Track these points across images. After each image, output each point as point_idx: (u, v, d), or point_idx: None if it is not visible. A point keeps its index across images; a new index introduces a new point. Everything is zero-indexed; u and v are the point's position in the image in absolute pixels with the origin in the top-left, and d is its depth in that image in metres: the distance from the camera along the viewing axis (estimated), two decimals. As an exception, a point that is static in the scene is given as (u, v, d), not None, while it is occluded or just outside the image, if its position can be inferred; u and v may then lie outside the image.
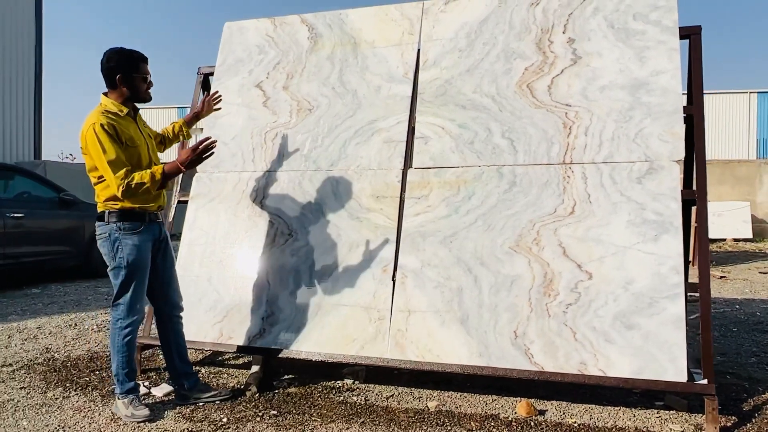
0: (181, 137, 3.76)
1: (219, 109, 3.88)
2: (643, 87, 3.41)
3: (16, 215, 7.25)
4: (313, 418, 3.16)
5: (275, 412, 3.24)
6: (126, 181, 3.02)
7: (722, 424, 2.99)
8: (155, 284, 3.36)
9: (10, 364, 4.17)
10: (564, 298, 3.22)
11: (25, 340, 4.89)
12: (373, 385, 3.68)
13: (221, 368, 4.07)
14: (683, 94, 3.43)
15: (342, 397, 3.48)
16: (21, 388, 3.67)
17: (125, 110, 3.19)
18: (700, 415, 3.11)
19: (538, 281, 3.29)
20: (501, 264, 3.38)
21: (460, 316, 3.36)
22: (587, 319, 3.15)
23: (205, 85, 4.48)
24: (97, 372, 3.98)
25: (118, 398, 3.20)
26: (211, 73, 4.45)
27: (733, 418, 3.09)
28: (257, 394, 3.51)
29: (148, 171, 3.08)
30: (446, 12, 3.94)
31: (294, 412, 3.26)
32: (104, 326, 5.35)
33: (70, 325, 5.39)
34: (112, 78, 3.15)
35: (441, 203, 3.59)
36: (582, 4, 3.66)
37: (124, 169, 3.04)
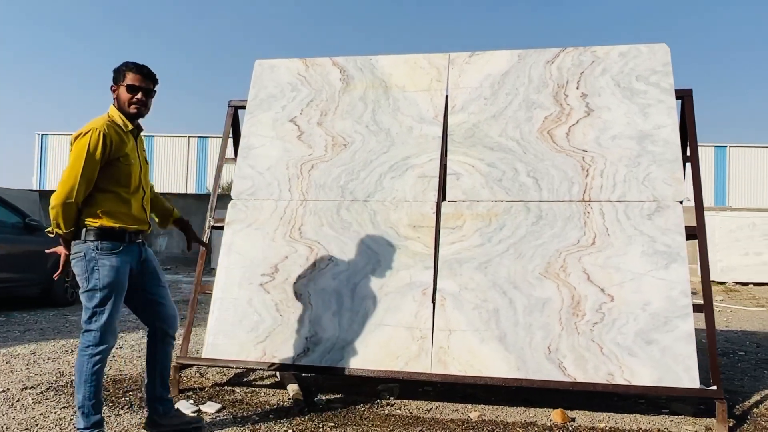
0: (165, 223, 3.59)
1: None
2: (648, 138, 4.01)
3: (-19, 240, 7.00)
4: (372, 428, 3.42)
5: (333, 424, 3.47)
6: (65, 205, 2.92)
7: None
8: (146, 305, 3.25)
9: (33, 387, 4.13)
10: (590, 318, 3.69)
11: (27, 365, 4.80)
12: (407, 401, 3.97)
13: (254, 388, 4.22)
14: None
15: (386, 411, 3.75)
16: (63, 408, 3.68)
17: (130, 126, 3.12)
18: (705, 418, 3.63)
19: (566, 303, 3.74)
20: (533, 288, 3.81)
21: (497, 334, 3.76)
22: (612, 336, 3.63)
23: (235, 117, 4.72)
24: (131, 393, 4.03)
25: None
26: (241, 106, 4.70)
27: (731, 420, 3.63)
28: (305, 409, 3.72)
29: (62, 223, 2.97)
30: (471, 64, 4.43)
31: (350, 423, 3.50)
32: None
33: (66, 351, 5.31)
34: (113, 89, 3.12)
35: (474, 233, 4.00)
36: (591, 64, 4.25)
37: (75, 198, 2.93)
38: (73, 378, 4.33)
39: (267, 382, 4.39)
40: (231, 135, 4.72)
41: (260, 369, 4.16)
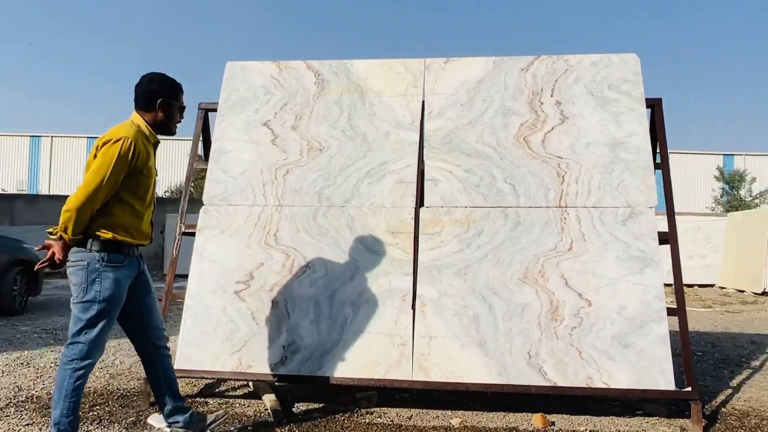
0: None
1: None
2: (621, 146, 4.09)
3: None
4: (355, 438, 3.37)
5: (315, 435, 3.41)
6: (81, 210, 2.81)
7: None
8: (135, 317, 3.15)
9: (-10, 403, 3.91)
10: (569, 323, 3.73)
11: (-20, 379, 4.54)
12: (386, 408, 3.93)
13: (227, 399, 4.10)
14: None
15: (366, 420, 3.71)
16: (27, 425, 3.49)
17: (154, 139, 3.11)
18: (679, 419, 3.73)
19: (545, 308, 3.78)
20: (512, 293, 3.84)
21: (478, 340, 3.76)
22: (590, 340, 3.69)
23: (206, 120, 4.60)
24: (98, 407, 3.86)
25: None
26: (212, 109, 4.58)
27: (704, 420, 3.73)
28: (285, 420, 3.64)
29: (71, 228, 2.83)
30: (447, 70, 4.44)
31: (332, 433, 3.44)
32: (61, 364, 5.06)
33: (21, 364, 5.04)
34: (152, 101, 3.06)
35: (453, 239, 4.00)
36: (565, 73, 4.32)
37: (93, 205, 2.84)
38: (34, 393, 4.15)
39: (240, 392, 4.28)
40: (201, 138, 4.59)
41: (236, 379, 4.06)
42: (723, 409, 4.01)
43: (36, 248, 3.09)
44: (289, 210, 4.19)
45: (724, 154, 35.37)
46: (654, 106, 4.24)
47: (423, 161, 4.24)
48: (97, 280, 2.88)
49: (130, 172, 2.93)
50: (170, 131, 3.18)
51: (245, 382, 4.34)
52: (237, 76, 4.61)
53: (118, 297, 2.95)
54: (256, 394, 4.14)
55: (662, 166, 4.11)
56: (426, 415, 3.80)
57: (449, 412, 3.85)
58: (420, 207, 4.11)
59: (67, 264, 2.94)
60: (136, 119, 3.07)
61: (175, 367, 3.90)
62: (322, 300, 3.95)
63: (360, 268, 3.99)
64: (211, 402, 4.01)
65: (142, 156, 2.96)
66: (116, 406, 3.88)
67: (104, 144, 2.89)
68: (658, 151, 4.22)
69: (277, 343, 3.89)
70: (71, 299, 2.93)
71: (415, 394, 4.23)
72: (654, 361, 3.61)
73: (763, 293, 12.66)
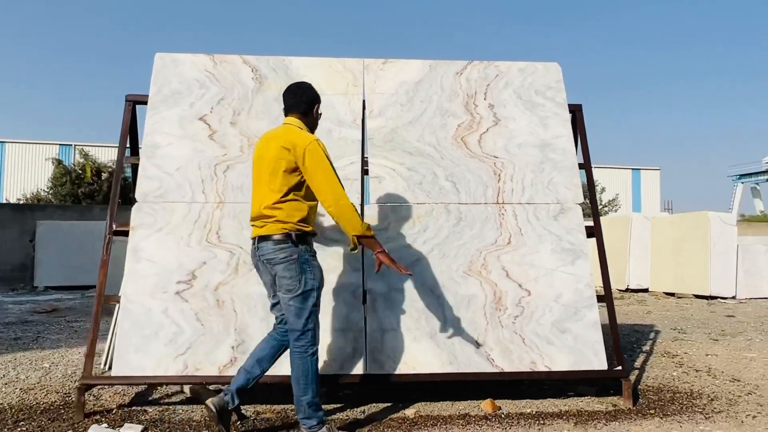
0: None
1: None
2: (549, 147, 4.41)
3: None
4: (318, 434, 3.34)
5: (275, 434, 3.34)
6: (345, 204, 3.16)
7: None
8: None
9: None
10: (512, 312, 3.96)
11: None
12: (337, 404, 3.92)
13: (167, 406, 3.88)
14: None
15: (321, 416, 3.68)
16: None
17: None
18: (608, 397, 4.08)
19: (489, 299, 3.98)
20: (458, 286, 3.99)
21: (428, 331, 3.88)
22: (532, 327, 3.93)
23: (134, 113, 4.34)
24: (23, 422, 3.51)
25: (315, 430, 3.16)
26: (140, 102, 4.34)
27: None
28: (238, 423, 3.53)
29: (356, 218, 3.19)
30: (385, 70, 4.53)
31: None
32: (-45, 382, 4.51)
33: None
34: (312, 105, 3.43)
35: (399, 235, 4.09)
36: (496, 78, 4.58)
37: (341, 189, 3.19)
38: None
39: (176, 399, 4.06)
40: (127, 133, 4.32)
41: (182, 383, 3.86)
42: (639, 387, 4.43)
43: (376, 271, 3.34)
44: (231, 207, 4.07)
45: (578, 166, 38.50)
46: (575, 111, 4.60)
47: (365, 159, 4.30)
48: (308, 269, 3.20)
49: None
50: (314, 129, 3.51)
51: (180, 388, 4.14)
52: (168, 68, 4.41)
53: (323, 281, 3.31)
54: (195, 399, 3.96)
55: (585, 166, 4.48)
56: (379, 409, 3.85)
57: (400, 404, 3.93)
58: (366, 204, 4.16)
59: (277, 259, 3.17)
60: (297, 123, 3.37)
61: (113, 374, 3.71)
62: (270, 298, 3.87)
63: (308, 265, 3.96)
64: (151, 410, 3.78)
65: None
66: (44, 420, 3.55)
67: (306, 147, 3.18)
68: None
69: (226, 343, 3.76)
70: (287, 295, 3.16)
71: (356, 388, 4.25)
72: (588, 344, 3.93)
73: (627, 290, 13.99)
